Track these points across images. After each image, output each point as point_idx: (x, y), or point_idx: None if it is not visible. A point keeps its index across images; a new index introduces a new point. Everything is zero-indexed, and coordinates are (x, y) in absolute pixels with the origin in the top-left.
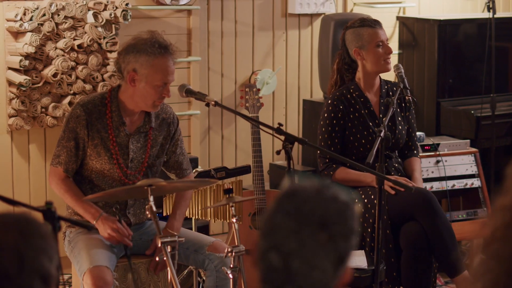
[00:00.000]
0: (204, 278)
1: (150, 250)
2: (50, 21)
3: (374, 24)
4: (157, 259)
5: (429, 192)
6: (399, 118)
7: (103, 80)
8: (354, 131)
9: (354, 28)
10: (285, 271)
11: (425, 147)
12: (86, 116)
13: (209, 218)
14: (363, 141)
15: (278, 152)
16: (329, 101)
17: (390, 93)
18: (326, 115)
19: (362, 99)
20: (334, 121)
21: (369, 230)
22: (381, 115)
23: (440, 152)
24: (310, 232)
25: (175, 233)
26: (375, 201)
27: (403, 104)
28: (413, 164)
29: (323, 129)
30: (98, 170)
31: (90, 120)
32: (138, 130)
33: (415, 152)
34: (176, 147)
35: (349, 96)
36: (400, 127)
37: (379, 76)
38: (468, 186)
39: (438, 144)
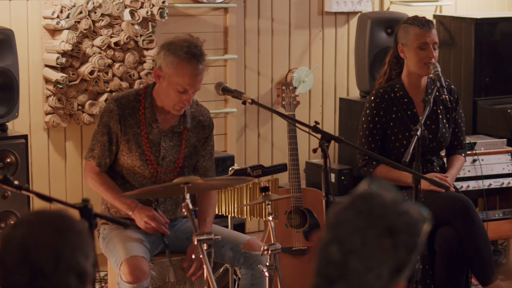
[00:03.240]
0: (239, 276)
1: (186, 262)
2: (87, 18)
3: (423, 25)
4: (193, 256)
5: (467, 199)
6: (444, 120)
7: (140, 77)
8: (396, 131)
9: (406, 24)
10: (342, 267)
11: None
12: (119, 111)
13: (245, 216)
14: (405, 142)
15: (314, 151)
16: (372, 98)
17: (437, 93)
18: (368, 112)
19: (406, 100)
20: (376, 119)
21: None
22: None
23: (477, 151)
24: (376, 234)
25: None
26: None
27: (448, 105)
28: (453, 160)
29: (364, 126)
30: (129, 166)
31: (123, 115)
32: (172, 129)
33: (459, 150)
34: (207, 152)
35: (392, 95)
36: (444, 129)
37: (426, 76)
38: (504, 185)
39: (474, 143)
